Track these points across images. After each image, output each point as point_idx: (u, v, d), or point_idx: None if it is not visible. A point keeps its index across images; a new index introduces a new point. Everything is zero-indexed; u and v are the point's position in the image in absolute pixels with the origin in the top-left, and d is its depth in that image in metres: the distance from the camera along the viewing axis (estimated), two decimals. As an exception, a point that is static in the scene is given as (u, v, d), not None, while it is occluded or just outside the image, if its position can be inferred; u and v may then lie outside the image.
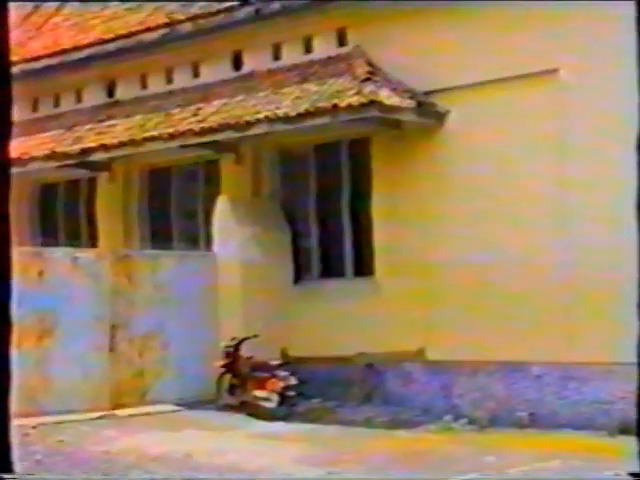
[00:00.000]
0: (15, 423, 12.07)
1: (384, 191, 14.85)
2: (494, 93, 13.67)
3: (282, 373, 14.11)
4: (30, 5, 20.28)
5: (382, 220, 14.85)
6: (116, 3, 18.40)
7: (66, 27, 19.08)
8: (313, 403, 14.22)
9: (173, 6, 17.20)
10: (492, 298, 13.46)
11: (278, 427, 12.72)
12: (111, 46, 17.54)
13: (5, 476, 4.08)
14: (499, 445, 11.19)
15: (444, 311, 13.93)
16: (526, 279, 13.18)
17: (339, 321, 14.84)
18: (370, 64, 14.38)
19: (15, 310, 13.30)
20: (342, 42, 15.13)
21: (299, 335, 15.10)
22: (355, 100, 13.71)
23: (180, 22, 16.69)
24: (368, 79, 14.08)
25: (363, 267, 15.30)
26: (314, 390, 14.28)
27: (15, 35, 19.51)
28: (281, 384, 13.96)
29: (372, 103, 13.64)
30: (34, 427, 11.86)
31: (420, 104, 14.10)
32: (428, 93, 14.20)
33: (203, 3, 16.51)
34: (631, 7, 11.38)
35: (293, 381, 13.99)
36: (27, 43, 19.22)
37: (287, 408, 13.85)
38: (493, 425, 12.58)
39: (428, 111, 14.17)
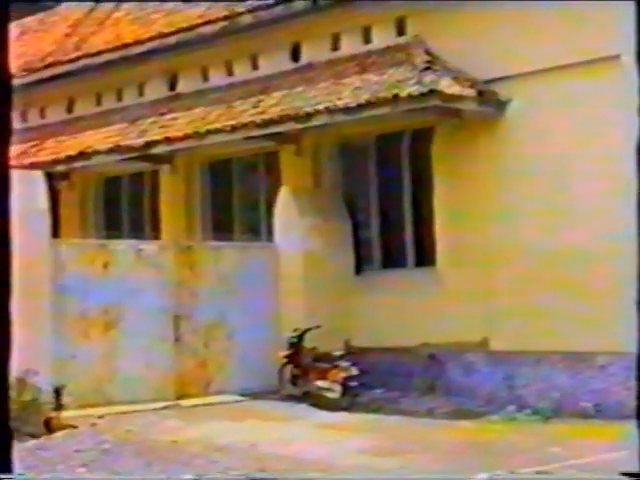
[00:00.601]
0: (84, 413, 12.23)
1: (445, 181, 14.79)
2: (556, 80, 13.54)
3: (344, 363, 14.11)
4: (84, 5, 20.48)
5: (444, 210, 14.79)
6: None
7: (127, 22, 19.22)
8: (375, 393, 14.19)
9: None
10: (556, 288, 13.34)
11: (341, 417, 12.73)
12: (172, 39, 17.65)
13: (5, 476, 4.09)
14: (564, 436, 11.11)
15: (507, 301, 13.85)
16: (591, 268, 13.04)
17: (401, 312, 14.82)
18: (429, 53, 14.33)
19: (81, 302, 13.40)
20: (401, 31, 15.08)
21: (361, 326, 15.11)
22: (415, 90, 13.64)
23: (239, 14, 16.74)
24: (428, 68, 14.01)
25: (425, 257, 15.26)
26: (376, 380, 14.29)
27: (78, 31, 19.80)
28: (343, 374, 13.97)
29: (432, 92, 13.57)
30: (101, 417, 12.01)
31: (481, 93, 14.00)
32: (489, 81, 14.11)
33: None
34: None
35: (355, 371, 13.98)
36: (89, 38, 19.42)
37: (349, 398, 13.83)
38: (557, 416, 12.47)
39: (489, 100, 14.08)
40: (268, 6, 16.27)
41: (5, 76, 4.53)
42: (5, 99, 4.51)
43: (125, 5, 19.76)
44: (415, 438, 11.18)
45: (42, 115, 20.26)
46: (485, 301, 14.06)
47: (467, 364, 14.23)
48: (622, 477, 5.74)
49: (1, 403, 4.45)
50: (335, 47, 15.88)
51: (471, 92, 13.89)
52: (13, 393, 10.59)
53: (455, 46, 14.27)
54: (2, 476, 4.07)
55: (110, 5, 20.11)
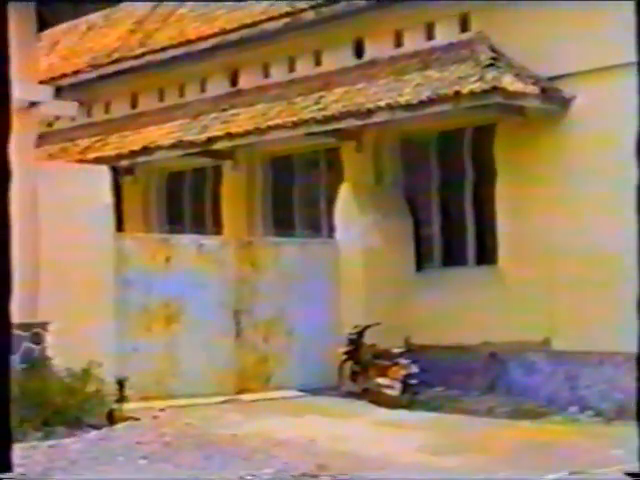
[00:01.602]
0: (145, 405, 12.34)
1: (508, 179, 14.71)
2: (620, 78, 13.33)
3: (404, 361, 14.10)
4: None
5: (506, 208, 14.71)
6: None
7: (191, 18, 19.35)
8: (435, 392, 14.19)
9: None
10: (619, 286, 13.18)
11: (400, 415, 12.73)
12: (234, 36, 17.73)
13: (5, 476, 4.02)
14: (627, 438, 10.95)
15: (570, 300, 13.75)
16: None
17: (462, 310, 14.77)
18: (493, 50, 14.24)
19: (144, 296, 13.49)
20: (464, 28, 15.02)
21: (421, 323, 15.07)
22: (477, 87, 13.58)
23: (302, 11, 16.76)
24: (491, 65, 13.93)
25: (486, 255, 15.21)
26: (436, 379, 14.25)
27: (142, 27, 19.96)
28: (403, 372, 13.96)
29: (495, 89, 13.51)
30: (162, 409, 12.14)
31: (544, 90, 13.92)
32: (552, 79, 14.03)
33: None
34: None
35: (415, 369, 13.96)
36: (153, 35, 19.58)
37: (409, 396, 13.82)
38: (620, 417, 12.30)
39: (553, 97, 14.00)
40: (331, 2, 16.30)
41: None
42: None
43: (189, 2, 19.90)
44: (475, 437, 11.19)
45: (107, 110, 20.46)
46: (547, 300, 13.97)
47: (528, 363, 14.16)
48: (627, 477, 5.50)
49: (2, 403, 4.14)
50: (398, 44, 15.85)
51: (534, 89, 13.82)
52: (77, 384, 10.78)
53: (519, 43, 14.20)
54: (2, 476, 4.02)
55: (174, 2, 20.27)
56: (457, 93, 13.70)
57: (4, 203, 4.29)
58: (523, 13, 14.25)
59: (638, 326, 4.98)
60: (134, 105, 20.00)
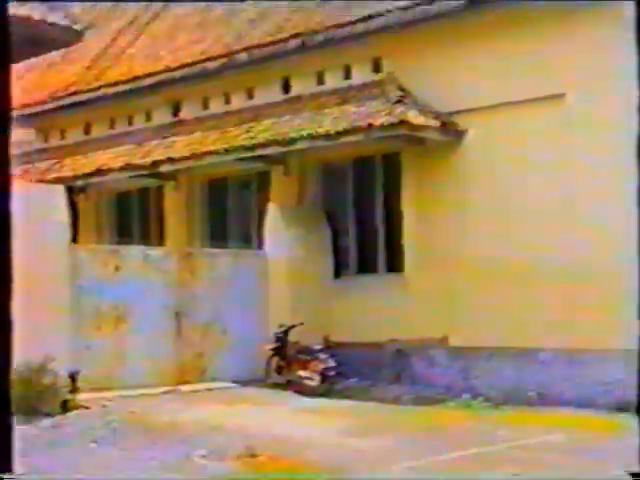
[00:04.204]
0: (96, 395, 12.19)
1: (412, 198, 14.86)
2: (507, 114, 13.65)
3: (323, 356, 14.17)
4: (109, 38, 20.48)
5: (410, 224, 14.85)
6: (184, 36, 18.61)
7: (140, 57, 19.23)
8: (350, 382, 14.22)
9: (231, 38, 17.34)
10: (505, 292, 13.45)
11: (319, 403, 12.73)
12: (177, 73, 17.66)
13: (5, 476, 3.84)
14: (511, 421, 11.17)
15: (465, 303, 13.93)
16: (535, 275, 13.16)
17: (373, 311, 14.86)
18: (401, 89, 14.36)
19: (95, 300, 13.34)
20: (377, 69, 15.13)
21: (338, 323, 15.14)
22: (386, 120, 13.72)
23: (237, 52, 16.80)
24: (399, 102, 14.06)
25: (394, 264, 15.28)
26: (350, 371, 14.31)
27: (97, 64, 19.79)
28: (322, 366, 14.02)
29: (401, 123, 13.65)
30: (110, 399, 11.98)
31: (443, 124, 14.08)
32: (450, 114, 14.18)
33: (258, 35, 16.67)
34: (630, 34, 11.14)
35: (332, 363, 14.03)
36: (106, 71, 19.42)
37: (327, 386, 13.90)
38: (506, 403, 12.49)
39: (449, 130, 14.16)
40: (262, 45, 16.37)
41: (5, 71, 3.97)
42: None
43: (138, 42, 19.81)
44: (383, 421, 11.24)
45: (62, 137, 20.25)
46: (445, 303, 14.13)
47: (429, 358, 14.27)
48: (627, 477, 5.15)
49: (3, 403, 3.95)
50: (320, 82, 15.90)
51: (434, 123, 13.96)
52: (34, 377, 10.65)
53: (423, 83, 14.30)
54: (2, 476, 3.82)
55: (125, 41, 20.15)
56: (369, 125, 13.82)
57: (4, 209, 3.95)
58: (427, 57, 14.44)
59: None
60: (87, 132, 19.83)
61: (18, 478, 3.93)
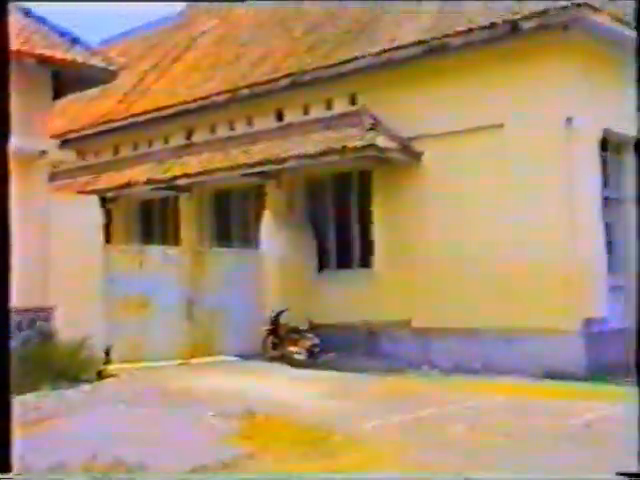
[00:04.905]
0: (124, 366, 12.20)
1: (380, 208, 14.93)
2: (456, 139, 13.75)
3: (309, 335, 14.21)
4: (137, 77, 20.43)
5: (379, 229, 14.93)
6: (198, 76, 18.60)
7: (161, 93, 19.22)
8: (330, 356, 14.18)
9: (236, 77, 17.35)
10: (456, 283, 13.54)
11: (306, 373, 12.71)
12: (191, 106, 17.68)
13: (5, 476, 3.50)
14: (460, 387, 11.18)
15: (424, 293, 13.98)
16: (480, 270, 13.25)
17: (349, 299, 14.91)
18: (373, 118, 14.44)
19: (124, 289, 13.34)
20: (353, 102, 15.19)
21: (321, 309, 15.13)
22: (359, 143, 13.80)
23: (240, 89, 16.83)
24: (371, 129, 14.14)
25: (366, 261, 15.32)
26: (331, 347, 14.29)
27: (127, 99, 19.75)
28: (308, 343, 14.06)
29: (371, 146, 13.73)
30: (136, 370, 12.01)
31: (405, 147, 14.16)
32: (411, 139, 14.25)
33: (258, 75, 16.69)
34: (558, 76, 11.16)
35: (316, 341, 14.07)
36: (134, 104, 19.42)
37: (312, 360, 13.92)
38: (457, 373, 12.51)
39: (410, 152, 14.22)
40: (261, 83, 16.40)
41: (3, 61, 3.62)
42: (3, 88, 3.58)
43: (161, 80, 19.81)
44: (358, 387, 11.17)
45: (98, 156, 20.22)
46: (408, 293, 14.18)
47: (394, 337, 14.31)
48: (619, 477, 4.66)
49: (3, 403, 3.61)
50: (306, 112, 15.93)
51: (398, 146, 14.05)
52: (76, 351, 10.67)
53: (391, 114, 14.35)
54: (2, 476, 3.48)
55: (151, 80, 20.15)
56: (344, 148, 13.90)
57: (4, 210, 3.66)
58: (393, 93, 14.52)
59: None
60: (117, 153, 19.82)
61: (18, 478, 3.55)
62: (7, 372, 3.58)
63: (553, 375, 11.66)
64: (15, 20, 10.90)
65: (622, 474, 4.44)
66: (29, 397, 9.01)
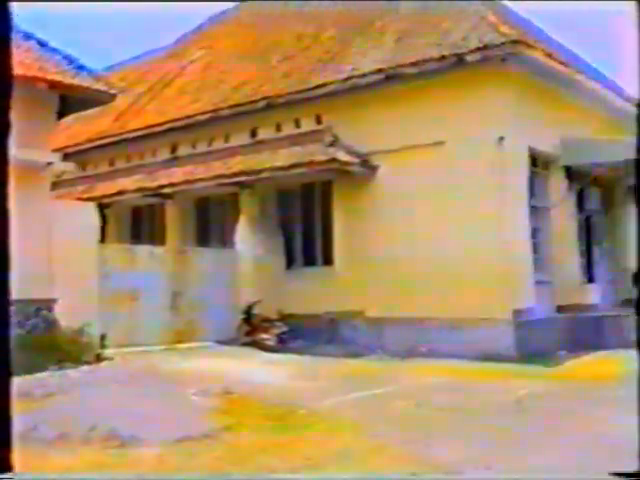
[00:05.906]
0: (118, 351, 12.12)
1: (341, 214, 14.96)
2: (406, 155, 13.82)
3: (278, 324, 14.25)
4: (132, 99, 20.27)
5: (339, 232, 14.96)
6: (186, 98, 18.51)
7: (153, 113, 19.10)
8: (297, 343, 14.21)
9: (219, 99, 17.31)
10: (405, 279, 13.64)
11: (276, 357, 12.68)
12: (178, 124, 17.58)
13: (5, 476, 3.15)
14: (409, 369, 11.20)
15: (377, 287, 14.05)
16: (426, 268, 13.37)
17: (313, 293, 14.93)
18: (335, 136, 14.50)
19: (116, 283, 13.26)
20: (319, 122, 15.22)
21: (289, 301, 15.15)
22: (323, 158, 13.86)
23: (221, 109, 16.78)
24: (332, 145, 14.23)
25: (328, 260, 15.35)
26: (298, 334, 14.36)
27: (122, 118, 19.57)
28: (278, 331, 14.09)
29: (333, 160, 13.81)
30: (129, 353, 11.92)
31: (363, 161, 14.24)
32: (368, 154, 14.34)
33: (238, 98, 16.65)
34: (492, 104, 11.39)
35: (285, 329, 14.11)
36: (128, 123, 19.26)
37: (281, 345, 13.95)
38: (407, 357, 12.51)
39: (367, 165, 14.30)
40: (240, 105, 16.36)
41: (6, 73, 3.32)
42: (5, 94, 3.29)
43: (153, 102, 19.69)
44: (322, 370, 11.07)
45: (95, 168, 20.01)
46: (363, 287, 14.23)
47: (352, 325, 14.36)
48: (616, 477, 3.96)
49: (3, 403, 3.22)
50: (278, 130, 15.92)
51: (356, 160, 14.13)
52: (77, 337, 10.61)
53: (351, 131, 14.41)
54: (2, 476, 3.12)
55: (144, 102, 20.01)
56: (310, 161, 13.95)
57: (3, 209, 3.31)
58: (352, 114, 14.58)
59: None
60: (112, 165, 19.63)
61: (17, 478, 3.22)
62: (8, 374, 3.27)
63: (489, 358, 11.83)
64: (32, 50, 10.93)
65: (619, 474, 3.90)
66: (37, 376, 8.95)
